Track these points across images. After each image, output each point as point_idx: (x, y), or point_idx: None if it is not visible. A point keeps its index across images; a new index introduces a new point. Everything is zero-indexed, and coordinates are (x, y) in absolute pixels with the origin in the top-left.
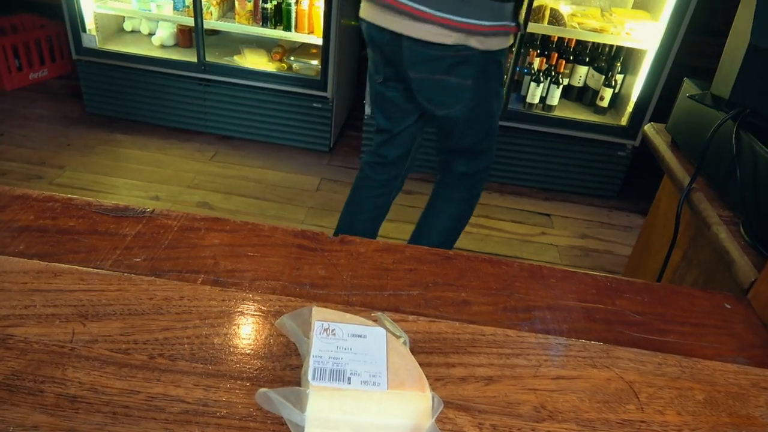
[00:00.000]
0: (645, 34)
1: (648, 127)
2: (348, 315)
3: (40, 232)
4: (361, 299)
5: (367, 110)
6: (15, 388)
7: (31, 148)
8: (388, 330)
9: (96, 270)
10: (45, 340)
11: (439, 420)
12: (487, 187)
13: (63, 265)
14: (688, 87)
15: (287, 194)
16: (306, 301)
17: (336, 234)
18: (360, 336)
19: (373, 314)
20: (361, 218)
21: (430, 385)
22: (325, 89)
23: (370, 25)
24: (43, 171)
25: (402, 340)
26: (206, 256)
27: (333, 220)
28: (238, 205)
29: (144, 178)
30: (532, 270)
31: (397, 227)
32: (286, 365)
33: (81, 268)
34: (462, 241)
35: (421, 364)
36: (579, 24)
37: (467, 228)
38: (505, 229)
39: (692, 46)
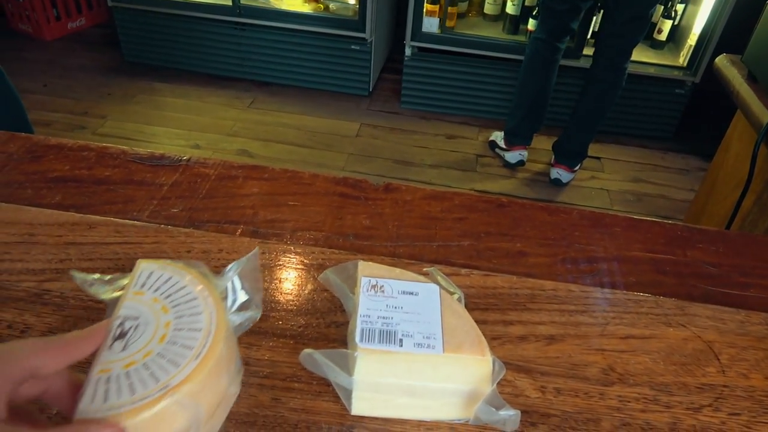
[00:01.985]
0: None
1: (720, 59)
2: (397, 270)
3: (75, 182)
4: (408, 251)
5: (408, 51)
6: None
7: (72, 98)
8: (441, 286)
9: (132, 222)
10: (81, 296)
11: (498, 383)
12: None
13: (98, 217)
14: None
15: (327, 140)
16: (350, 253)
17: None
18: (411, 293)
19: (424, 269)
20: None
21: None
22: (363, 30)
23: None
24: (86, 121)
25: (456, 296)
26: (245, 206)
27: (374, 166)
28: (277, 152)
29: (184, 127)
30: (594, 218)
31: (440, 173)
32: (330, 322)
33: (117, 219)
34: (505, 185)
35: (476, 321)
36: None
37: (509, 171)
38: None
39: None
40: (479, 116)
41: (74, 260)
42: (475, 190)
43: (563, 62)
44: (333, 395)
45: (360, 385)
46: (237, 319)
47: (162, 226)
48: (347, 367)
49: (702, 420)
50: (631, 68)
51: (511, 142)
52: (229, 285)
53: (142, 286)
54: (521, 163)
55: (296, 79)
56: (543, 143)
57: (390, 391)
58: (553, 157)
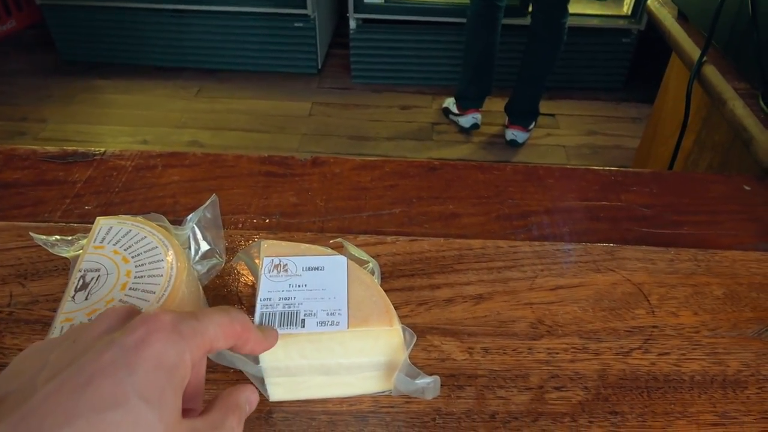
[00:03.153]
0: None
1: (651, 2)
2: (303, 246)
3: None
4: (337, 224)
5: (353, 24)
6: None
7: (10, 104)
8: (352, 257)
9: (36, 224)
10: None
11: (423, 348)
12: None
13: (1, 223)
14: None
15: (279, 123)
16: (275, 232)
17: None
18: (317, 268)
19: (332, 240)
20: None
21: (413, 311)
22: (304, 6)
23: None
24: (25, 126)
25: (369, 266)
26: (164, 195)
27: (329, 145)
28: (229, 140)
29: (130, 123)
30: (527, 172)
31: (397, 144)
32: (251, 308)
33: (20, 223)
34: (462, 150)
35: (402, 289)
36: None
37: (466, 137)
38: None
39: None
40: (432, 84)
41: None
42: (431, 159)
43: (510, 21)
44: (250, 383)
45: (270, 372)
46: (201, 268)
47: (68, 224)
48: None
49: (631, 363)
50: (577, 21)
51: (464, 106)
52: (191, 235)
53: (102, 240)
54: (476, 126)
55: (242, 63)
56: (496, 105)
57: (303, 372)
58: (507, 118)
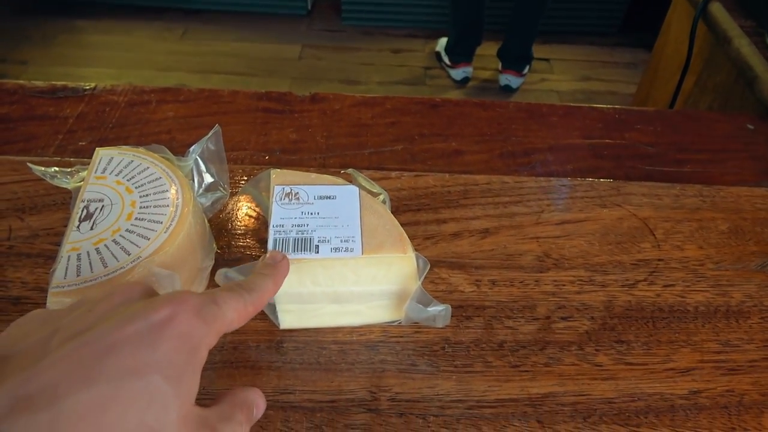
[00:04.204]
0: None
1: None
2: (313, 175)
3: None
4: (338, 161)
5: None
6: None
7: None
8: (362, 188)
9: (29, 158)
10: None
11: (431, 281)
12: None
13: None
14: None
15: (268, 66)
16: (276, 167)
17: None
18: (329, 197)
19: (343, 171)
20: None
21: (419, 245)
22: None
23: None
24: (5, 69)
25: (381, 198)
26: (160, 131)
27: (319, 89)
28: (216, 83)
29: (113, 65)
30: (530, 109)
31: (388, 89)
32: (257, 238)
33: (14, 157)
34: (455, 95)
35: (408, 223)
36: None
37: (462, 83)
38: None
39: None
40: (425, 27)
41: None
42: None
43: None
44: (260, 313)
45: (282, 298)
46: (205, 200)
47: (66, 159)
48: None
49: (637, 295)
50: None
51: (454, 60)
52: (194, 167)
53: (104, 171)
54: (467, 80)
55: (229, 3)
56: (490, 50)
57: (315, 300)
58: (500, 63)
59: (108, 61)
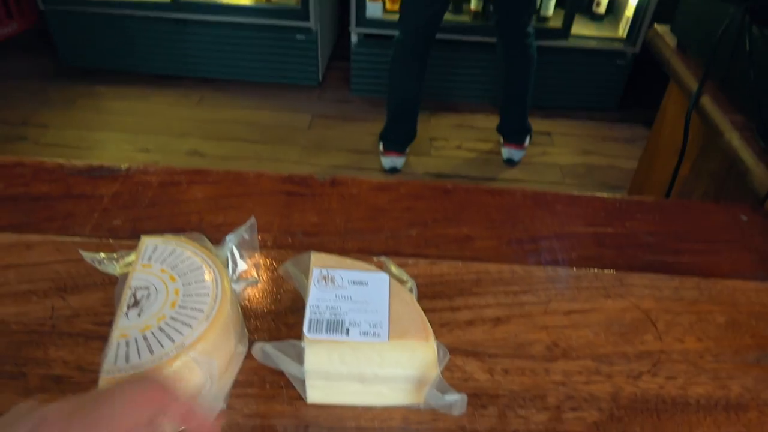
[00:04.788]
0: None
1: (652, 31)
2: (349, 260)
3: (12, 200)
4: (357, 244)
5: (354, 38)
6: None
7: (10, 108)
8: (392, 275)
9: (71, 238)
10: (23, 320)
11: (447, 368)
12: (482, 108)
13: (36, 236)
14: None
15: (279, 134)
16: (299, 251)
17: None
18: (361, 283)
19: (376, 259)
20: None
21: (435, 331)
22: (307, 19)
23: None
24: (27, 131)
25: (408, 285)
26: (190, 212)
27: (328, 158)
28: (230, 150)
29: (130, 130)
30: (536, 197)
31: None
32: (289, 314)
33: (56, 237)
34: (460, 166)
35: (424, 310)
36: None
37: (464, 153)
38: None
39: None
40: (429, 98)
41: (13, 283)
42: (429, 174)
43: (490, 39)
44: (287, 397)
45: (311, 374)
46: (237, 286)
47: (104, 240)
48: (298, 357)
49: (641, 387)
50: (572, 42)
51: (386, 146)
52: (229, 254)
53: (149, 259)
54: (394, 170)
55: (243, 73)
56: (492, 123)
57: (342, 378)
58: (501, 138)
59: (125, 126)
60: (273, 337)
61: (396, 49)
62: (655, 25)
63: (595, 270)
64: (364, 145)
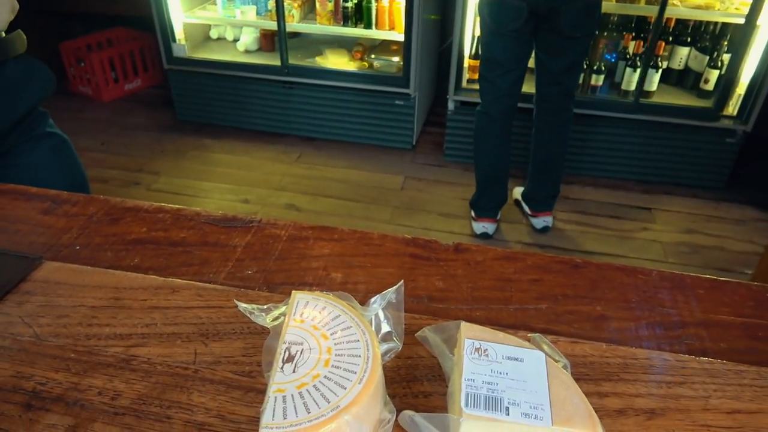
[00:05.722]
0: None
1: None
2: (501, 334)
3: (153, 244)
4: (484, 314)
5: (451, 105)
6: (142, 413)
7: (128, 155)
8: (546, 354)
9: (213, 285)
10: (168, 362)
11: None
12: (580, 180)
13: (179, 280)
14: None
15: (372, 194)
16: (426, 316)
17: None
18: (516, 359)
19: (529, 335)
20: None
21: None
22: (407, 86)
23: None
24: (141, 177)
25: (561, 364)
26: (317, 267)
27: (419, 219)
28: (324, 206)
29: (233, 182)
30: (674, 279)
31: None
32: (426, 383)
33: (197, 283)
34: (557, 238)
35: None
36: (681, 1)
37: (562, 225)
38: (603, 225)
39: None
40: (520, 167)
41: (159, 324)
42: (521, 243)
43: (586, 111)
44: None
45: None
46: (379, 350)
47: (241, 289)
48: (447, 431)
49: None
50: (679, 118)
51: (477, 213)
52: (374, 316)
53: (301, 315)
54: (486, 235)
55: (342, 134)
56: (590, 194)
57: None
58: (527, 207)
59: (228, 177)
60: (410, 405)
61: (478, 120)
62: None
63: (759, 368)
64: (455, 209)
